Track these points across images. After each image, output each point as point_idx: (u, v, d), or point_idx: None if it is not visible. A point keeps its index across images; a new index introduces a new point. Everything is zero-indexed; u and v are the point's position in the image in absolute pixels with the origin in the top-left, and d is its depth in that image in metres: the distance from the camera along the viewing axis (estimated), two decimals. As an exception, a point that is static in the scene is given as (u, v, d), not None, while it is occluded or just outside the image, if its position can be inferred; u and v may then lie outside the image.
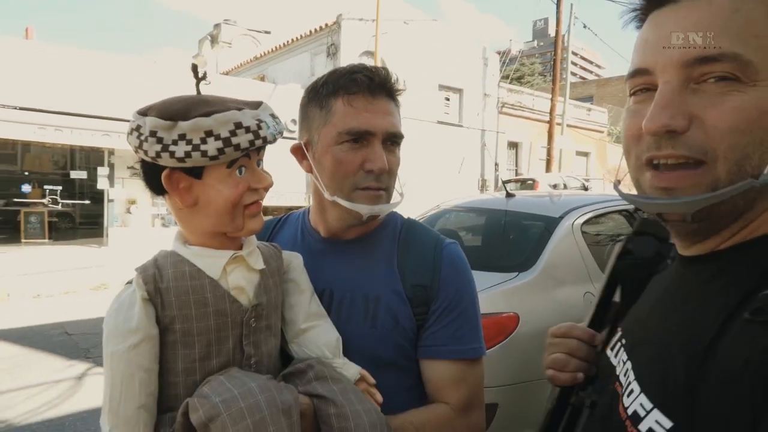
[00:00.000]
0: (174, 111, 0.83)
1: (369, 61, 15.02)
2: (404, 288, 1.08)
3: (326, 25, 15.53)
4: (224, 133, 0.82)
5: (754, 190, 0.58)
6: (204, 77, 0.94)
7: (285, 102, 13.50)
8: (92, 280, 8.71)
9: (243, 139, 0.83)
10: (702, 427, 0.53)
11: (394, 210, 1.15)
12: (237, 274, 0.91)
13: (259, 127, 0.85)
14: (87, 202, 14.35)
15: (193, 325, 0.86)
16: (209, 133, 0.82)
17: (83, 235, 13.43)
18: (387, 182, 1.07)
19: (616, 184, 0.77)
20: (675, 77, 0.60)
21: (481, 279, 3.15)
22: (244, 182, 0.88)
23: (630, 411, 0.63)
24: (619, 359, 0.75)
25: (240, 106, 0.87)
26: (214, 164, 0.85)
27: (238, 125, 0.83)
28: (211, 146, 0.82)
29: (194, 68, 0.94)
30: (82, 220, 14.83)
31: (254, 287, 0.92)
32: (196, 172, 0.86)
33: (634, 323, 0.79)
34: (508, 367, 2.66)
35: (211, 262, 0.89)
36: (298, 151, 1.11)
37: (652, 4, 0.65)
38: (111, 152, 12.17)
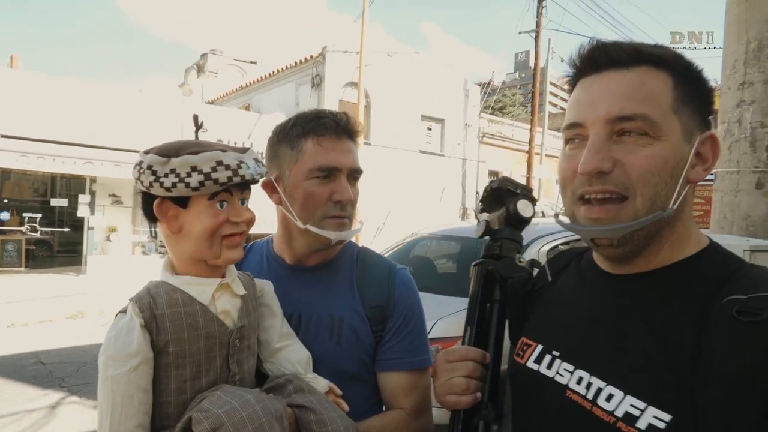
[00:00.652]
0: (169, 150, 0.97)
1: (353, 92, 15.29)
2: (364, 308, 1.21)
3: (311, 56, 15.82)
4: (206, 169, 0.94)
5: (662, 220, 0.76)
6: (201, 125, 1.08)
7: (269, 131, 13.59)
8: (69, 308, 8.59)
9: (222, 174, 0.94)
10: (705, 415, 0.64)
11: (350, 239, 1.29)
12: (223, 299, 1.02)
13: (239, 167, 0.96)
14: (66, 229, 14.20)
15: (186, 348, 0.96)
16: (194, 168, 0.94)
17: (61, 263, 13.27)
18: (350, 211, 1.21)
19: (557, 216, 0.94)
20: (602, 130, 0.77)
21: (454, 304, 3.27)
22: (224, 214, 0.98)
23: (620, 413, 0.71)
24: (559, 370, 0.84)
25: (226, 149, 0.99)
26: (198, 196, 0.96)
27: (219, 163, 0.95)
28: (194, 179, 0.93)
29: (195, 118, 1.08)
30: (60, 248, 14.64)
31: (238, 311, 1.03)
32: (183, 203, 0.98)
33: (561, 337, 0.88)
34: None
35: (201, 289, 1.00)
36: (269, 186, 1.24)
37: (581, 73, 0.84)
38: (93, 180, 12.14)
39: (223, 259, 1.01)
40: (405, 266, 1.32)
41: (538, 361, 0.88)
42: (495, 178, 1.12)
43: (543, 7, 18.00)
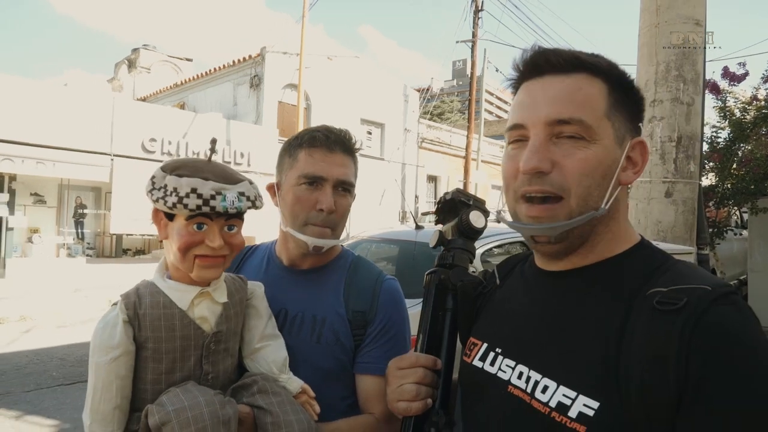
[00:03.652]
0: (172, 167, 1.06)
1: (293, 94, 15.19)
2: (347, 312, 1.29)
3: (250, 56, 15.57)
4: (182, 193, 1.01)
5: (596, 219, 0.81)
6: (214, 149, 1.15)
7: (205, 130, 13.33)
8: (-15, 314, 8.06)
9: (192, 202, 1.01)
10: (629, 400, 0.67)
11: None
12: (203, 306, 1.10)
13: (212, 198, 1.02)
14: (-19, 230, 13.25)
15: (162, 346, 1.05)
16: (174, 190, 1.02)
17: (-25, 267, 12.36)
18: (334, 222, 1.29)
19: (499, 213, 0.97)
20: (542, 132, 0.81)
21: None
22: (199, 236, 1.05)
23: (553, 403, 0.74)
24: (501, 366, 0.86)
25: (210, 177, 1.05)
26: (178, 214, 1.04)
27: (194, 190, 1.02)
28: (170, 200, 1.01)
29: (212, 142, 1.16)
30: (-26, 251, 13.62)
31: (216, 317, 1.11)
32: (170, 216, 1.06)
33: (503, 334, 0.91)
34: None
35: (181, 295, 1.08)
36: (271, 189, 1.36)
37: (524, 77, 0.88)
38: (12, 178, 11.41)
39: (195, 275, 1.07)
40: (394, 278, 1.39)
41: (483, 359, 0.91)
42: (449, 191, 1.15)
43: (479, 18, 18.61)
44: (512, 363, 0.84)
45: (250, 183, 1.12)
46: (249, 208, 1.09)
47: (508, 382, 0.83)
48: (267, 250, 1.44)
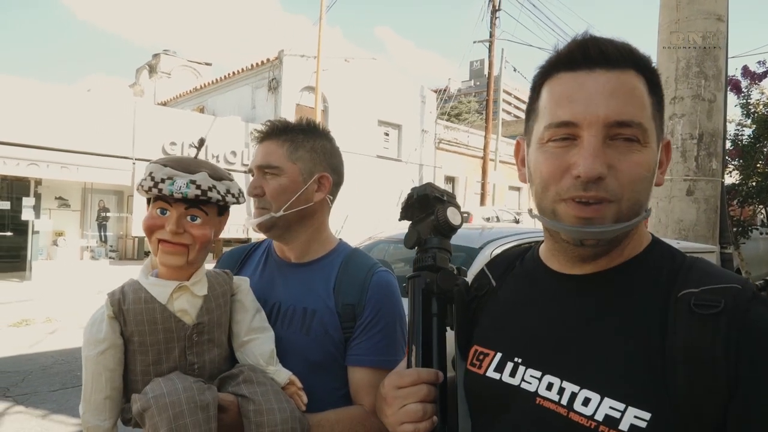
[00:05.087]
0: (162, 160, 1.14)
1: (310, 96, 15.28)
2: (336, 305, 1.30)
3: (268, 59, 15.72)
4: (144, 176, 1.10)
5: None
6: (200, 147, 1.22)
7: (225, 134, 13.49)
8: (12, 316, 8.25)
9: (145, 183, 1.10)
10: (679, 406, 0.65)
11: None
12: (182, 299, 1.14)
13: (162, 182, 1.08)
14: (9, 233, 13.57)
15: (147, 338, 1.11)
16: (144, 174, 1.12)
17: (3, 269, 12.66)
18: (262, 203, 1.35)
19: (532, 212, 0.87)
20: (599, 133, 0.74)
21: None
22: (160, 220, 1.11)
23: (600, 417, 0.69)
24: (525, 377, 0.80)
25: (170, 165, 1.11)
26: (151, 198, 1.12)
27: (149, 174, 1.09)
28: (139, 183, 1.12)
29: (200, 141, 1.23)
30: (2, 253, 13.96)
31: (197, 310, 1.15)
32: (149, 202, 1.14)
33: (522, 342, 0.84)
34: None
35: (160, 290, 1.14)
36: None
37: (567, 66, 0.78)
38: (38, 182, 11.69)
39: (159, 261, 1.12)
40: (386, 269, 1.36)
41: (499, 369, 0.84)
42: (417, 185, 1.05)
43: (497, 18, 18.52)
44: (537, 373, 0.79)
45: (211, 177, 1.14)
46: (198, 197, 1.09)
47: (536, 394, 0.78)
48: (267, 245, 1.48)
